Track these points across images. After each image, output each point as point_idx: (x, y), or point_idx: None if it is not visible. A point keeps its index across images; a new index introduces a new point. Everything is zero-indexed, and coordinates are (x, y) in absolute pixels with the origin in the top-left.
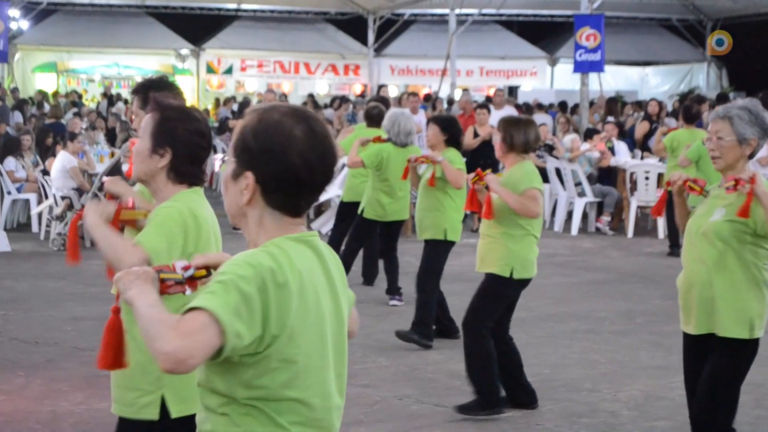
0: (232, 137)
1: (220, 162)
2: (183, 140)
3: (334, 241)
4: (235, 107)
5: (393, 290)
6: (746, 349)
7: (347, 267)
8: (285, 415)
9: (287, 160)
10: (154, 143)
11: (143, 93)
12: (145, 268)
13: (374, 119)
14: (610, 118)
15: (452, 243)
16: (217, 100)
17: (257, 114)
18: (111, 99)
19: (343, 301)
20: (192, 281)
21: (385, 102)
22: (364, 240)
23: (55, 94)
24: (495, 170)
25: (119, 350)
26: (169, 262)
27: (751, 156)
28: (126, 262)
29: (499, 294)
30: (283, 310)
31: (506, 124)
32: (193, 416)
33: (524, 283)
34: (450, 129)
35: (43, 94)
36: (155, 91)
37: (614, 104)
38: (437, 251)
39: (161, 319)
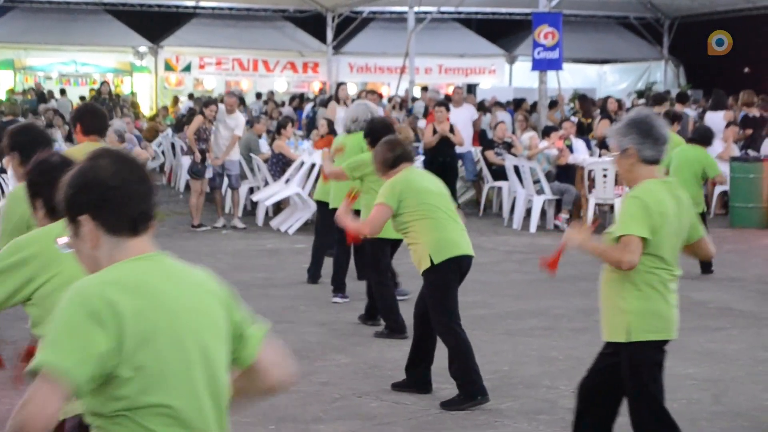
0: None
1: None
2: (39, 183)
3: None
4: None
5: (339, 287)
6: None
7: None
8: (152, 420)
9: (102, 183)
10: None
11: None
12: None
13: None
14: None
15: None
16: (175, 98)
17: (70, 173)
18: (43, 96)
19: (211, 306)
20: None
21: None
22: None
23: (12, 91)
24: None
25: None
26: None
27: (646, 161)
28: None
29: (435, 284)
30: (120, 328)
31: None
32: None
33: (452, 262)
34: (368, 133)
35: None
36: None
37: (587, 102)
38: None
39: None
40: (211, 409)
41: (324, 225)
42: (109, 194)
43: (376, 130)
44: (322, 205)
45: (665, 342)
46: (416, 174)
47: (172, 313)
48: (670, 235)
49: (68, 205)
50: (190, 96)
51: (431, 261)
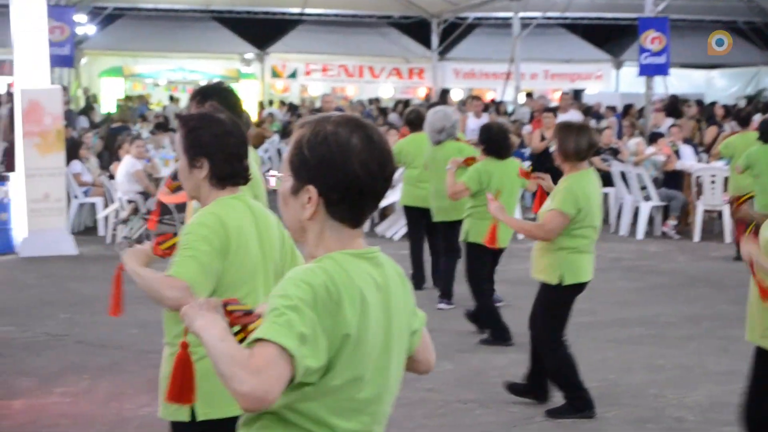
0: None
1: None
2: (212, 145)
3: (413, 250)
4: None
5: (446, 293)
6: None
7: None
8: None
9: (348, 170)
10: (188, 158)
11: (200, 99)
12: (210, 299)
13: (413, 123)
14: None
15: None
16: (281, 103)
17: (310, 126)
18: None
19: (403, 320)
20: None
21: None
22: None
23: (128, 98)
24: (560, 173)
25: (188, 385)
26: (206, 281)
27: None
28: (167, 296)
29: (554, 303)
30: (338, 330)
31: (558, 130)
32: (219, 420)
33: (578, 287)
34: (482, 138)
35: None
36: (210, 96)
37: (675, 103)
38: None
39: (232, 355)
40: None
41: (417, 230)
42: (350, 185)
43: (494, 137)
44: (412, 211)
45: None
46: (595, 184)
47: (378, 327)
48: None
49: (299, 167)
50: (283, 104)
51: (560, 280)
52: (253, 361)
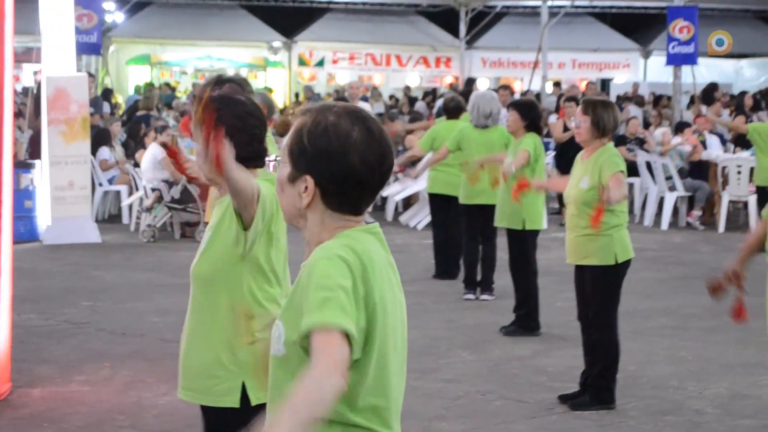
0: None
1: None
2: (234, 126)
3: (437, 238)
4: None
5: (486, 284)
6: None
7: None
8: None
9: (347, 163)
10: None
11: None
12: None
13: (452, 111)
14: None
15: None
16: (309, 90)
17: (311, 115)
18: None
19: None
20: None
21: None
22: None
23: (150, 84)
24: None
25: None
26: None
27: None
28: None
29: (613, 283)
30: (370, 299)
31: (595, 106)
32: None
33: (628, 263)
34: (530, 114)
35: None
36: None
37: (712, 91)
38: (519, 241)
39: (309, 396)
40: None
41: (446, 218)
42: (348, 178)
43: (535, 114)
44: (438, 199)
45: None
46: None
47: (394, 304)
48: None
49: (299, 156)
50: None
51: (616, 259)
52: (324, 358)
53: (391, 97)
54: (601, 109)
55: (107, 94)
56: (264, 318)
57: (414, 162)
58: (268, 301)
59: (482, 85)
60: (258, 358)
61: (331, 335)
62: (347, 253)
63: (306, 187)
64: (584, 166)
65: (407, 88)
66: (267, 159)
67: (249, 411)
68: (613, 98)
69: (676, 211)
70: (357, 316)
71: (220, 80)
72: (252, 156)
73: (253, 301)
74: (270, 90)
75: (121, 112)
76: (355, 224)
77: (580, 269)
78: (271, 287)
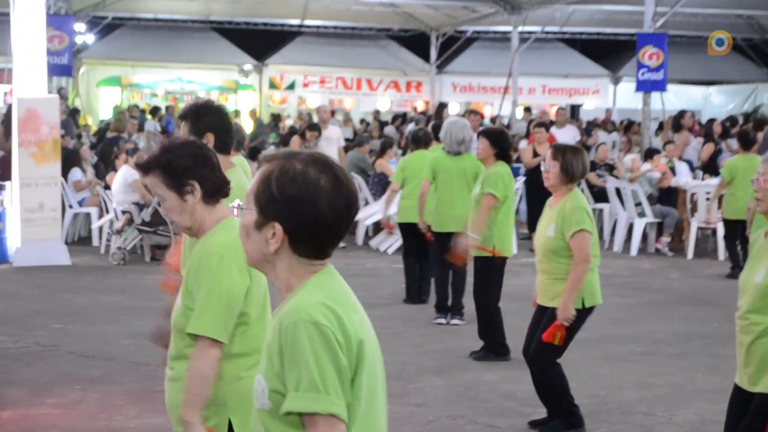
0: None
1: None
2: (197, 165)
3: (408, 262)
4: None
5: (457, 308)
6: None
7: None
8: None
9: (316, 210)
10: (177, 190)
11: (192, 118)
12: None
13: (421, 141)
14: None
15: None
16: (278, 116)
17: (278, 163)
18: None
19: None
20: None
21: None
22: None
23: (119, 107)
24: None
25: None
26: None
27: None
28: None
29: (573, 327)
30: (352, 342)
31: (564, 152)
32: None
33: (592, 309)
34: (500, 143)
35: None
36: (202, 115)
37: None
38: (488, 267)
39: None
40: None
41: (417, 244)
42: (317, 225)
43: (506, 143)
44: (409, 227)
45: None
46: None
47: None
48: None
49: (267, 203)
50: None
51: (583, 304)
52: None
53: (362, 121)
54: (570, 154)
55: (74, 114)
56: (251, 358)
57: (385, 186)
58: (246, 348)
59: (453, 109)
60: (244, 395)
61: (329, 422)
62: (326, 317)
63: (274, 234)
64: (551, 213)
65: (377, 112)
66: (231, 205)
67: None
68: (583, 124)
69: (645, 237)
70: (343, 387)
71: (198, 113)
72: (216, 191)
73: (228, 353)
74: (238, 113)
75: (92, 132)
76: (321, 268)
77: (543, 308)
78: (247, 333)
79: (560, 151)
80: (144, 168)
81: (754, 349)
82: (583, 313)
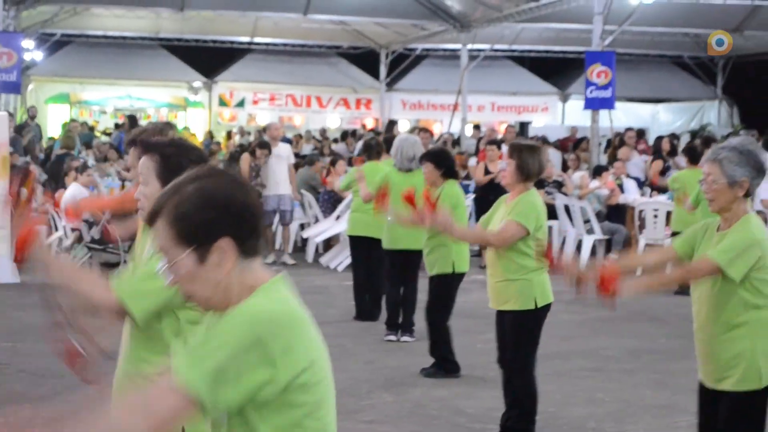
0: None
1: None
2: (173, 153)
3: (357, 279)
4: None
5: (407, 325)
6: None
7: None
8: None
9: (247, 201)
10: (163, 183)
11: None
12: None
13: (373, 152)
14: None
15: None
16: (229, 133)
17: (179, 194)
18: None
19: None
20: None
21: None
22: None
23: (67, 124)
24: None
25: None
26: None
27: (746, 195)
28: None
29: (529, 328)
30: (298, 346)
31: (521, 150)
32: None
33: (547, 307)
34: (444, 163)
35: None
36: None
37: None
38: (445, 284)
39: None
40: None
41: (366, 259)
42: (246, 214)
43: (450, 161)
44: (360, 241)
45: None
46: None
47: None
48: None
49: (205, 229)
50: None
51: (535, 304)
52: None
53: (312, 137)
54: (527, 153)
55: (20, 129)
56: None
57: (335, 203)
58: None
59: (403, 127)
60: None
61: (182, 396)
62: (270, 306)
63: (223, 251)
64: (506, 210)
65: (323, 130)
66: (157, 268)
67: None
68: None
69: (594, 253)
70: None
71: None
72: None
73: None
74: (187, 129)
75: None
76: (261, 272)
77: (501, 314)
78: None
79: (516, 150)
80: (146, 148)
81: (715, 347)
82: (539, 312)
